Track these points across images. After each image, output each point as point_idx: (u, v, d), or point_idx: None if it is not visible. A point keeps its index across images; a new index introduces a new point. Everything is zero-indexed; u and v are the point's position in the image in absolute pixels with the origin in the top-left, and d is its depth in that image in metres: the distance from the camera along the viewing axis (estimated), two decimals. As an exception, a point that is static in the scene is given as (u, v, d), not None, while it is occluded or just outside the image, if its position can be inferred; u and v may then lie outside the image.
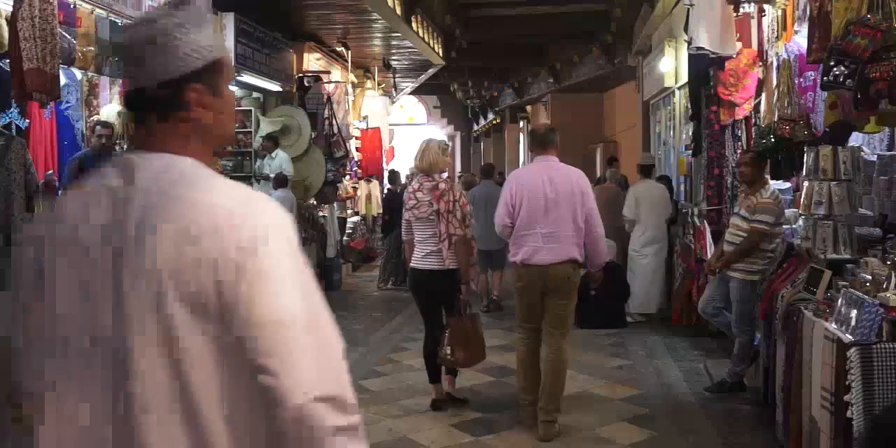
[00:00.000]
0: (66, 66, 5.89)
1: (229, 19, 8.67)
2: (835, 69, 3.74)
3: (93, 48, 5.97)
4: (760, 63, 6.26)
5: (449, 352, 4.97)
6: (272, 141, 10.17)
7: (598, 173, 13.75)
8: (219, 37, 1.27)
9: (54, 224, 1.33)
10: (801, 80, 5.34)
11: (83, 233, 1.29)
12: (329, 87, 11.37)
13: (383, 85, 15.34)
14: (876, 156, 5.52)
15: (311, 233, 10.12)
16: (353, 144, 12.84)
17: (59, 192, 6.48)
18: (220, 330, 1.24)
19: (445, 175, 5.39)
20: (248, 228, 1.25)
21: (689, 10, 6.42)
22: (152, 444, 1.23)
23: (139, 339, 1.23)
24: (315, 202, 10.85)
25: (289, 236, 1.30)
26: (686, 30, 6.63)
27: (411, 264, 5.20)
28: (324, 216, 10.82)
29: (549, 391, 4.69)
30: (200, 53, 1.34)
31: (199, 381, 1.23)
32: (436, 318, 5.19)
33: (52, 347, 1.28)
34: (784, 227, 5.39)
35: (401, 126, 22.52)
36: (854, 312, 3.30)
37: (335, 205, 11.57)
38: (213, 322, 1.23)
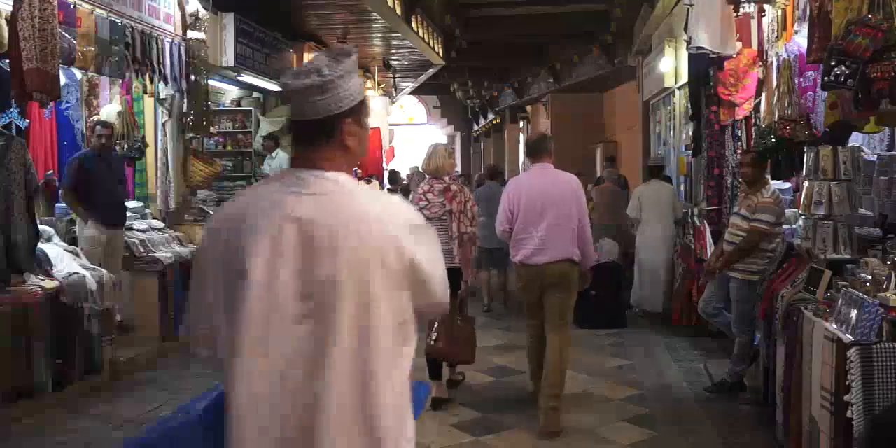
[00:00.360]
0: (66, 66, 5.88)
1: (229, 19, 8.66)
2: (835, 69, 3.74)
3: (93, 48, 5.95)
4: (760, 63, 6.25)
5: (434, 339, 5.10)
6: (273, 140, 10.15)
7: (599, 173, 13.73)
8: (362, 80, 2.25)
9: (246, 221, 1.74)
10: (801, 80, 5.34)
11: (281, 231, 1.69)
12: (329, 87, 11.35)
13: (383, 85, 15.33)
14: (876, 156, 5.53)
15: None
16: (353, 144, 12.80)
17: (60, 192, 6.47)
18: (392, 288, 1.74)
19: (448, 178, 5.46)
20: (399, 225, 1.77)
21: (688, 9, 6.42)
22: (335, 362, 1.68)
23: (341, 299, 1.69)
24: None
25: (420, 221, 1.85)
26: (686, 30, 6.63)
27: None
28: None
29: (550, 382, 4.77)
30: (353, 95, 1.78)
31: (376, 319, 1.71)
32: None
33: (261, 313, 1.69)
34: (784, 227, 5.39)
35: (401, 126, 22.51)
36: (854, 312, 3.30)
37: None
38: (388, 286, 1.73)
